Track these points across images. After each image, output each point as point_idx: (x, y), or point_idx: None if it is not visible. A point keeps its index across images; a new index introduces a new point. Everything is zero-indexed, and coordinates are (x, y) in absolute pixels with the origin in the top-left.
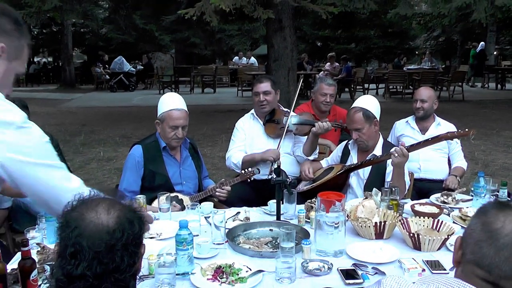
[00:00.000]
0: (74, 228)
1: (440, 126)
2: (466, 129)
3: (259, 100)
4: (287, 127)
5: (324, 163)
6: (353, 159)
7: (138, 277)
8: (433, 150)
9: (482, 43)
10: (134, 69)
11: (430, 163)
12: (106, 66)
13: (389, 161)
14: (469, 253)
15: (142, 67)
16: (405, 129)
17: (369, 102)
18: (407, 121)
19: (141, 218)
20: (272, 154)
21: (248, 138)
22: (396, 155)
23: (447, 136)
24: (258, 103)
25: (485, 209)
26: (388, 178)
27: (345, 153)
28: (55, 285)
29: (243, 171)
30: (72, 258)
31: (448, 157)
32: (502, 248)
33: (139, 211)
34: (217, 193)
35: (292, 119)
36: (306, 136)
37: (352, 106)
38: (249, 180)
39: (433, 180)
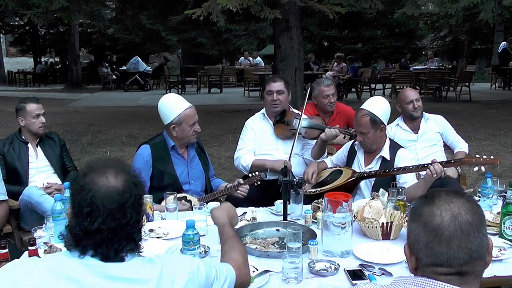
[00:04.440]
0: (89, 191)
1: (429, 119)
2: (492, 157)
3: (272, 99)
4: (298, 130)
5: (329, 162)
6: (360, 160)
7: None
8: (430, 146)
9: (504, 42)
10: (150, 69)
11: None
12: (114, 66)
13: (397, 162)
14: (424, 258)
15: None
16: (397, 132)
17: (379, 107)
18: (397, 124)
19: (141, 181)
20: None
21: (257, 138)
22: (435, 175)
23: (473, 162)
24: (270, 102)
25: (417, 211)
26: (400, 180)
27: (351, 154)
28: (73, 238)
29: (250, 175)
30: (88, 216)
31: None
32: (451, 240)
33: (140, 176)
34: (238, 191)
35: (303, 122)
36: (315, 140)
37: (362, 107)
38: (256, 184)
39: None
